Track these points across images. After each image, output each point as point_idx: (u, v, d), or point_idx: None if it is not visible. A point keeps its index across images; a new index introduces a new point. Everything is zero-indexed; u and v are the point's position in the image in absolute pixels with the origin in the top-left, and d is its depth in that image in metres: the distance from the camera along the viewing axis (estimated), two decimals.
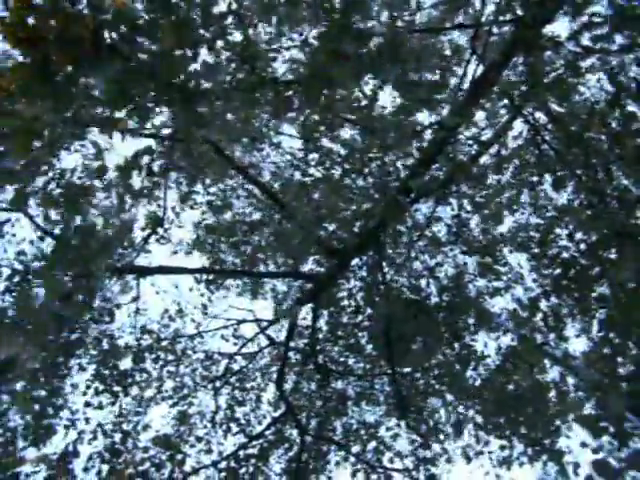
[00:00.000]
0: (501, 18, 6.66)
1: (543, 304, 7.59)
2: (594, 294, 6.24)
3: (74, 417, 9.38)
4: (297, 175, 10.33)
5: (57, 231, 9.06)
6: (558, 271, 7.12)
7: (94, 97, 4.09)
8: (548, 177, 9.49)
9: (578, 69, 6.42)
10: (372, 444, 9.99)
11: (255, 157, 10.94)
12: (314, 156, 9.68)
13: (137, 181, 5.03)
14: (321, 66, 4.57)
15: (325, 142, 8.79)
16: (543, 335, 7.37)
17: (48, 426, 9.04)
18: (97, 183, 4.48)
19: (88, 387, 9.64)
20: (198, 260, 11.45)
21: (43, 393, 9.17)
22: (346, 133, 8.47)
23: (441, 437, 9.92)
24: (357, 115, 7.09)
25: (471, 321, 10.11)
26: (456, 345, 10.11)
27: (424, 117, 8.31)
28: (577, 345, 9.19)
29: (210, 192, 10.96)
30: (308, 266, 10.97)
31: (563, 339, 7.21)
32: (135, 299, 9.88)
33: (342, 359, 10.69)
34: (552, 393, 8.05)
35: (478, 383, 9.73)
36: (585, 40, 6.04)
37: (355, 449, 9.98)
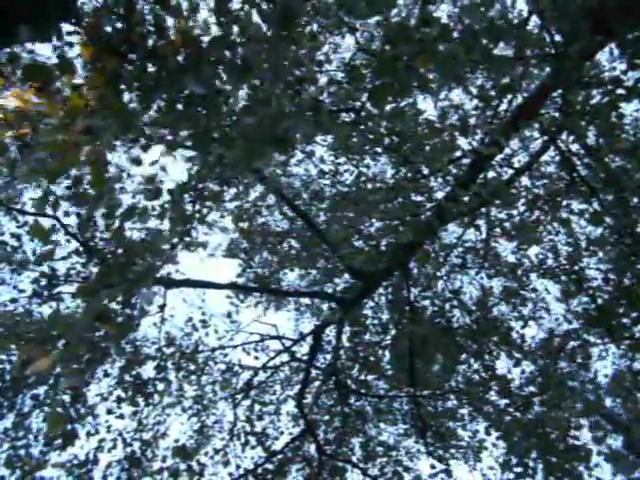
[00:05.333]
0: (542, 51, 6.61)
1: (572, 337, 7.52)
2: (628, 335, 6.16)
3: (96, 424, 9.46)
4: (327, 189, 10.34)
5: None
6: (588, 306, 7.05)
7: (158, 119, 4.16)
8: (577, 204, 9.44)
9: (618, 106, 6.34)
10: (390, 466, 9.93)
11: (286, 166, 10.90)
12: (346, 171, 9.68)
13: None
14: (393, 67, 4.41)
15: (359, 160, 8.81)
16: (570, 373, 7.30)
17: (70, 431, 9.13)
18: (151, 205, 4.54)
19: (110, 393, 9.71)
20: (230, 265, 11.49)
21: (66, 398, 9.28)
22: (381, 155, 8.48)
23: (461, 460, 9.87)
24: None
25: (494, 346, 10.06)
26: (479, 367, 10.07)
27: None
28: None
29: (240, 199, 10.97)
30: (335, 281, 11.00)
31: (593, 382, 7.12)
32: (161, 308, 9.91)
33: (362, 377, 10.67)
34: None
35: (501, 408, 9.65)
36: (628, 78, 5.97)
37: (373, 470, 9.93)
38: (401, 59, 4.50)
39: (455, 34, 4.74)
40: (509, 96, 7.87)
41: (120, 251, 4.39)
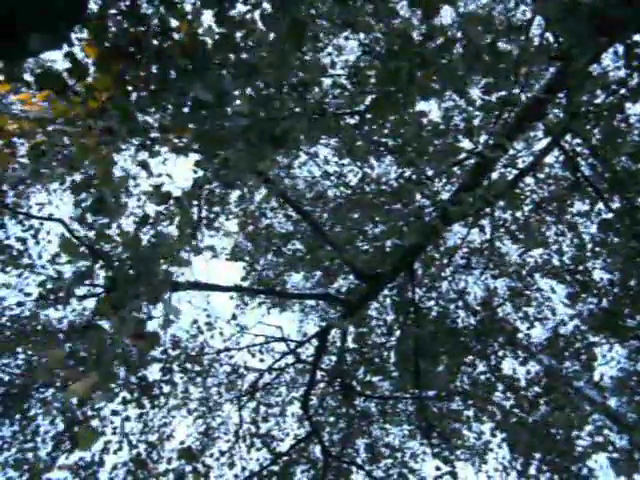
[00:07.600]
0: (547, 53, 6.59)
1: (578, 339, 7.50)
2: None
3: (102, 425, 9.49)
4: (331, 191, 10.36)
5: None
6: (594, 309, 7.04)
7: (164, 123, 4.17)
8: (582, 205, 9.43)
9: (623, 107, 6.32)
10: (395, 467, 9.94)
11: (290, 168, 10.90)
12: (350, 172, 9.70)
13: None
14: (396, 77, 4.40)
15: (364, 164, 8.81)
16: (574, 374, 7.28)
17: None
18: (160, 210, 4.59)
19: (116, 395, 9.73)
20: (235, 267, 11.51)
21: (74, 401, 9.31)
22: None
23: (466, 462, 9.86)
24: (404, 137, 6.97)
25: (499, 346, 10.05)
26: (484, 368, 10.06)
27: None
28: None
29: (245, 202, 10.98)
30: (339, 282, 11.01)
31: (598, 386, 7.11)
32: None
33: (367, 379, 10.67)
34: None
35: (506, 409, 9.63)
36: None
37: (378, 472, 9.94)
38: (403, 71, 4.50)
39: (458, 46, 4.73)
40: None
41: (131, 260, 4.40)
